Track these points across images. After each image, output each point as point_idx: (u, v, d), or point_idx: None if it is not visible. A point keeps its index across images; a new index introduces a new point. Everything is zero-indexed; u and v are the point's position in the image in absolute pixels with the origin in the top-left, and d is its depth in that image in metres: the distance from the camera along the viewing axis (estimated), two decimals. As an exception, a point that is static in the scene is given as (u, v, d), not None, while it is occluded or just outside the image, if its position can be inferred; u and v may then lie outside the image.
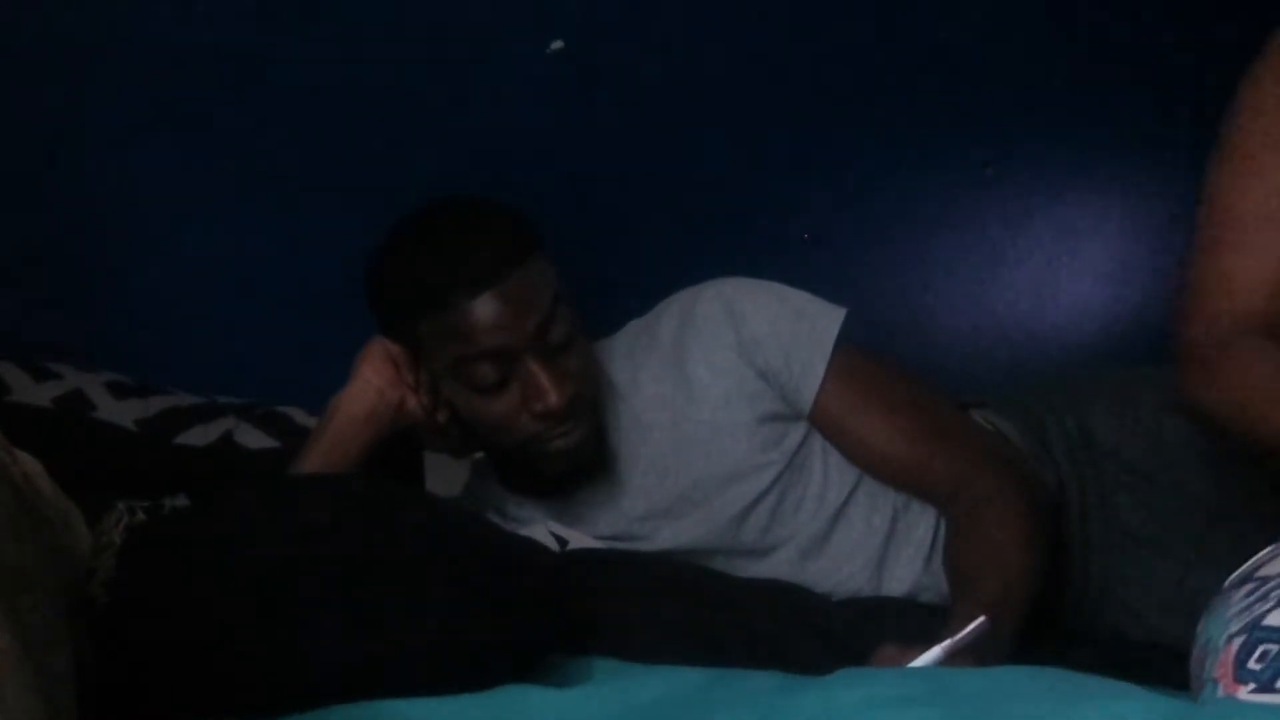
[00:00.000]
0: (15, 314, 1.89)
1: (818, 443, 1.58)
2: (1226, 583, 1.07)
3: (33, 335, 1.87)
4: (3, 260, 1.88)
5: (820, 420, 1.56)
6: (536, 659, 1.17)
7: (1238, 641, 0.91)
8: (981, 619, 1.19)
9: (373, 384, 1.47)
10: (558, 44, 1.96)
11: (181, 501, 1.60)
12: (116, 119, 1.89)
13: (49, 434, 1.66)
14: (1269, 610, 0.92)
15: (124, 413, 1.78)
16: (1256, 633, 0.91)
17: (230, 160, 1.92)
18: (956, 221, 2.20)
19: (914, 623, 1.44)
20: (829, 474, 1.57)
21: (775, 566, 1.56)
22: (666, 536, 1.57)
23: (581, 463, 1.52)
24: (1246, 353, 1.22)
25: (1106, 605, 1.57)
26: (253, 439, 1.79)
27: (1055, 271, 2.25)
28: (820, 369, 1.54)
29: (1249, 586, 0.99)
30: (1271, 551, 1.06)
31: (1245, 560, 1.12)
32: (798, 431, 1.57)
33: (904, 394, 1.57)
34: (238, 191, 1.93)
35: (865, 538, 1.57)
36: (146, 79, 1.87)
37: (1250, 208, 1.26)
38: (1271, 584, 0.97)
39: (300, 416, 1.82)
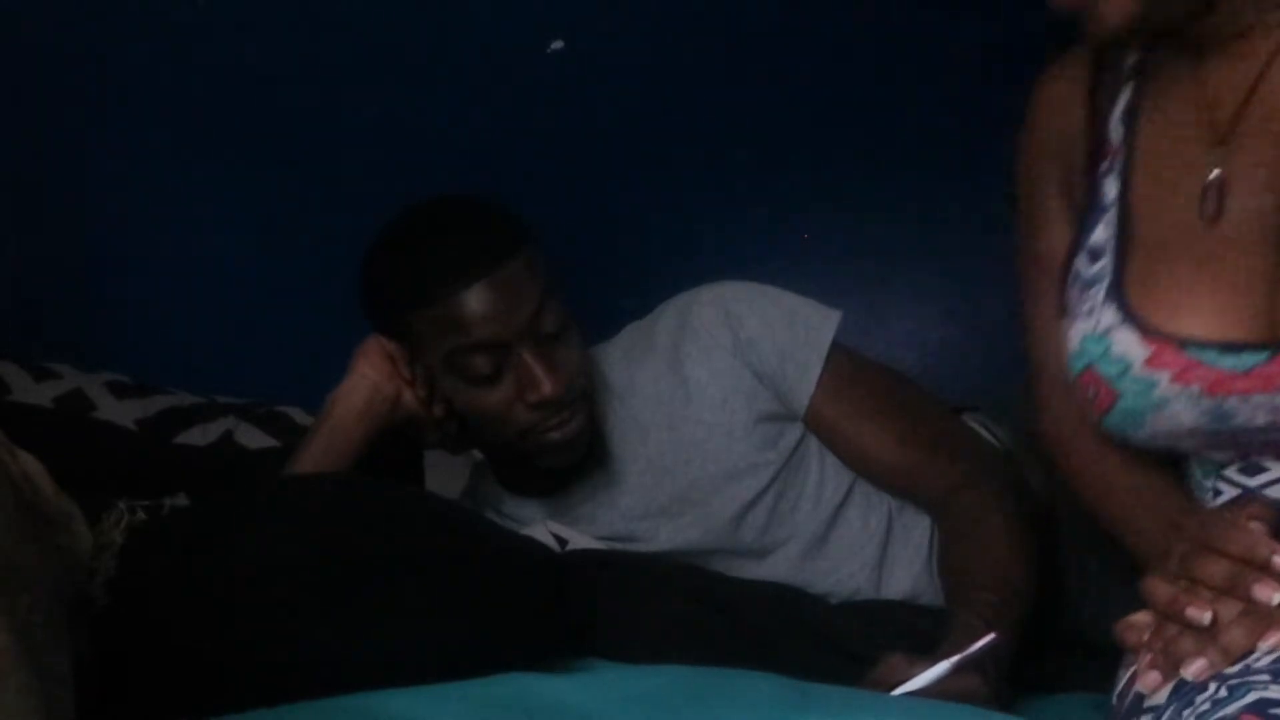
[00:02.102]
0: (15, 314, 1.89)
1: (813, 443, 1.59)
2: (1115, 700, 1.06)
3: (33, 335, 1.87)
4: (3, 260, 1.88)
5: (814, 422, 1.57)
6: (537, 659, 1.17)
7: None
8: (991, 636, 1.19)
9: (369, 378, 1.48)
10: (558, 44, 1.97)
11: (181, 501, 1.60)
12: (116, 121, 1.89)
13: (49, 434, 1.66)
14: None
15: (124, 413, 1.78)
16: None
17: (230, 161, 1.92)
18: (956, 222, 2.20)
19: (912, 627, 1.44)
20: (825, 474, 1.58)
21: (774, 567, 1.56)
22: (665, 537, 1.57)
23: (578, 454, 1.53)
24: (1081, 454, 1.22)
25: (1104, 613, 1.57)
26: (253, 439, 1.79)
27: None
28: (815, 371, 1.55)
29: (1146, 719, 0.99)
30: (1132, 674, 1.04)
31: None
32: (794, 431, 1.58)
33: (896, 398, 1.58)
34: (238, 192, 1.93)
35: (863, 538, 1.57)
36: (146, 81, 1.88)
37: (1046, 271, 1.21)
38: (1164, 714, 0.96)
39: (300, 416, 1.82)
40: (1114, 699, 1.07)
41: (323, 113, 1.91)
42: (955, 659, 1.17)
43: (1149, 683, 0.96)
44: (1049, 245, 1.21)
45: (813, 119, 2.11)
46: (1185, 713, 0.93)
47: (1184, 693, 0.94)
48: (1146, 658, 0.97)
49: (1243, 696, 0.89)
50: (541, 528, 1.55)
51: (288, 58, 1.89)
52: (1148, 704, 0.99)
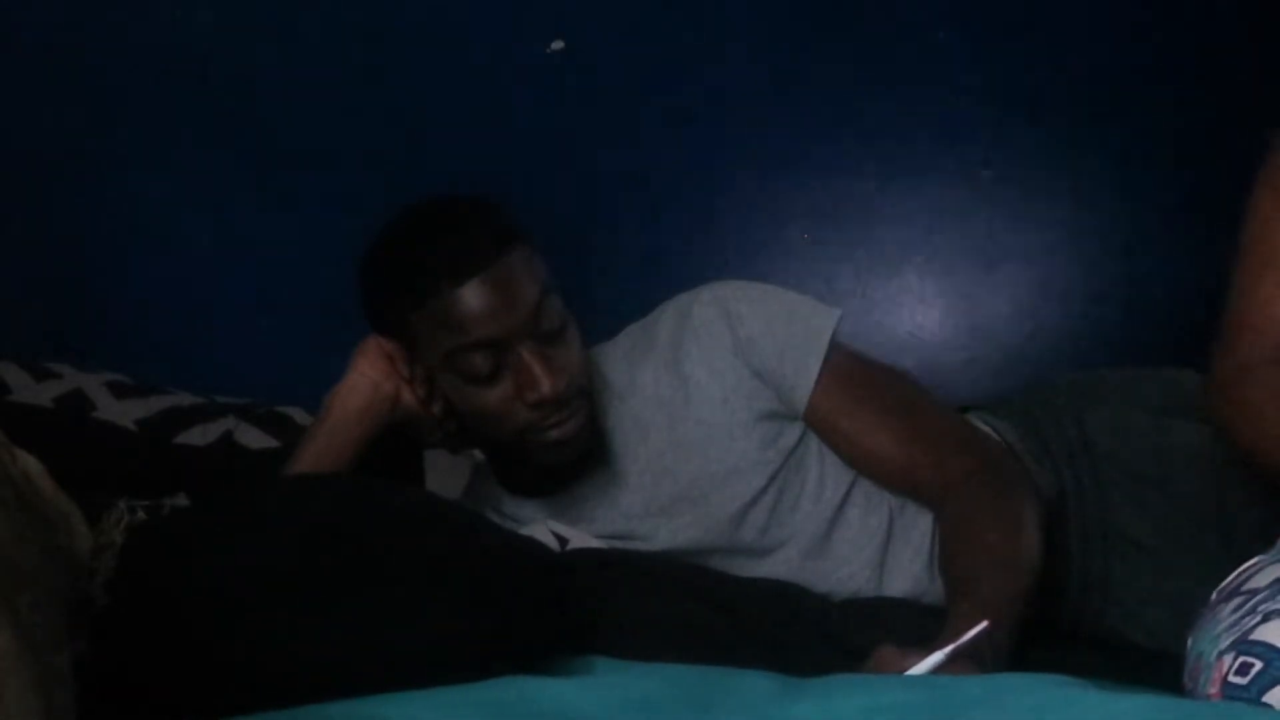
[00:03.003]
0: (15, 314, 1.89)
1: (814, 443, 1.59)
2: (1214, 595, 1.07)
3: (33, 335, 1.87)
4: (3, 260, 1.88)
5: (814, 420, 1.57)
6: (537, 658, 1.17)
7: (1229, 657, 0.92)
8: (983, 624, 1.19)
9: (368, 377, 1.48)
10: (558, 44, 1.97)
11: (181, 501, 1.60)
12: (117, 121, 1.89)
13: (49, 434, 1.66)
14: (1256, 624, 0.92)
15: (124, 413, 1.78)
16: (1242, 646, 0.91)
17: (230, 161, 1.92)
18: (955, 222, 2.20)
19: (915, 623, 1.44)
20: (825, 474, 1.58)
21: (775, 566, 1.56)
22: (666, 535, 1.57)
23: (577, 452, 1.53)
24: (1265, 382, 1.22)
25: (1108, 609, 1.58)
26: (253, 439, 1.79)
27: (1054, 272, 2.26)
28: (814, 369, 1.55)
29: (1237, 601, 1.00)
30: (1257, 564, 1.06)
31: (1240, 563, 1.12)
32: (794, 431, 1.58)
33: (896, 395, 1.58)
34: (238, 192, 1.93)
35: (863, 538, 1.57)
36: (147, 81, 1.88)
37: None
38: (1258, 597, 0.97)
39: (300, 416, 1.82)
40: (1214, 594, 1.09)
41: (323, 113, 1.91)
42: (949, 648, 1.17)
43: None
44: None
45: (813, 119, 2.11)
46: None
47: None
48: None
49: None
50: (542, 527, 1.55)
51: (288, 58, 1.89)
52: (1244, 589, 1.00)
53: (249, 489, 1.37)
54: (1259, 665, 0.90)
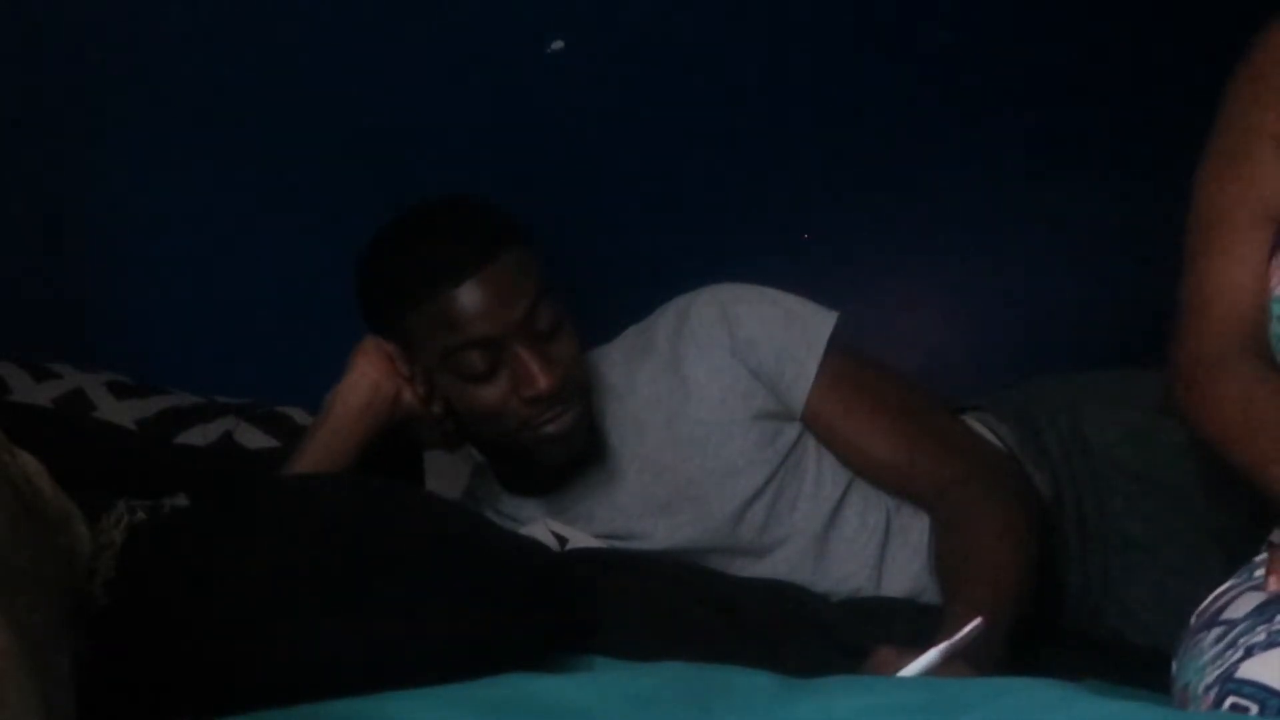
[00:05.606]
0: (15, 314, 1.89)
1: (811, 443, 1.59)
2: (1194, 618, 1.07)
3: (33, 335, 1.87)
4: (3, 260, 1.88)
5: (811, 421, 1.58)
6: (537, 658, 1.17)
7: (1213, 693, 0.92)
8: (977, 621, 1.20)
9: (368, 376, 1.49)
10: (558, 44, 1.97)
11: (181, 501, 1.60)
12: (116, 121, 1.89)
13: (49, 434, 1.66)
14: (1239, 660, 0.92)
15: (124, 413, 1.78)
16: (1229, 685, 0.91)
17: (230, 160, 1.92)
18: (955, 222, 2.20)
19: (913, 623, 1.45)
20: (822, 473, 1.58)
21: (774, 566, 1.57)
22: (664, 534, 1.57)
23: (575, 448, 1.53)
24: (1232, 377, 1.19)
25: (1104, 608, 1.58)
26: (253, 439, 1.79)
27: (1054, 272, 2.25)
28: (811, 371, 1.56)
29: (1218, 631, 1.00)
30: (1233, 588, 1.06)
31: (1236, 563, 1.12)
32: (791, 431, 1.58)
33: (893, 397, 1.59)
34: (238, 191, 1.93)
35: (861, 537, 1.57)
36: (146, 79, 1.88)
37: (1236, 209, 1.23)
38: (1238, 629, 0.97)
39: (300, 416, 1.82)
40: (1193, 619, 1.08)
41: (322, 112, 1.91)
42: (944, 646, 1.17)
43: (1270, 586, 0.99)
44: (1260, 188, 1.22)
45: (813, 119, 2.11)
46: (1260, 626, 0.94)
47: (1266, 611, 0.96)
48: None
49: None
50: (541, 526, 1.56)
51: (287, 58, 1.89)
52: (1223, 618, 1.00)
53: (249, 489, 1.37)
54: (1255, 709, 0.89)
